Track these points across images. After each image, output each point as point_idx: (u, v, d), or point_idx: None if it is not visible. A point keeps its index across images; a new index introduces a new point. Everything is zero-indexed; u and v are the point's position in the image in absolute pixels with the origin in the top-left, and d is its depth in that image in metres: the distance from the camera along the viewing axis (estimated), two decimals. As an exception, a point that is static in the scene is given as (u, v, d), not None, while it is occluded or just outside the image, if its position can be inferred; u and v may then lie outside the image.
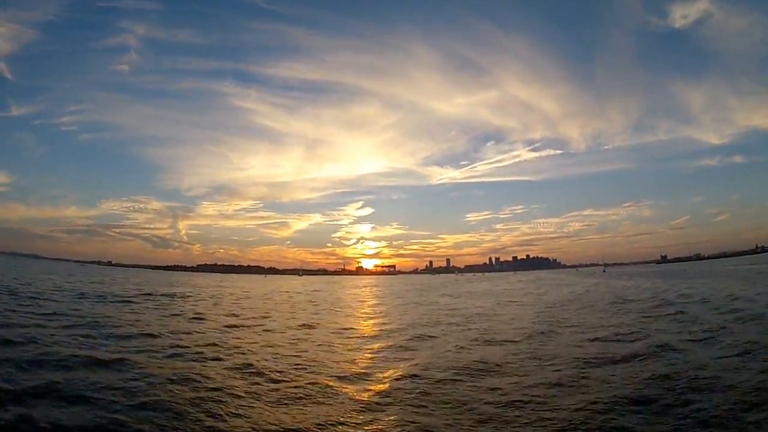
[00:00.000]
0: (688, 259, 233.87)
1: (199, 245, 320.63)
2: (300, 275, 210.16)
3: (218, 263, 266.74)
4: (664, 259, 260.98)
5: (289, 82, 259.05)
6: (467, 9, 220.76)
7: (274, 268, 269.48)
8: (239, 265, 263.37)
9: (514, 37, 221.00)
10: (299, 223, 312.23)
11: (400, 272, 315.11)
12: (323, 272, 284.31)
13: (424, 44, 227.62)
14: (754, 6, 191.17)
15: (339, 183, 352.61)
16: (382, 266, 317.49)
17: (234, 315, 22.25)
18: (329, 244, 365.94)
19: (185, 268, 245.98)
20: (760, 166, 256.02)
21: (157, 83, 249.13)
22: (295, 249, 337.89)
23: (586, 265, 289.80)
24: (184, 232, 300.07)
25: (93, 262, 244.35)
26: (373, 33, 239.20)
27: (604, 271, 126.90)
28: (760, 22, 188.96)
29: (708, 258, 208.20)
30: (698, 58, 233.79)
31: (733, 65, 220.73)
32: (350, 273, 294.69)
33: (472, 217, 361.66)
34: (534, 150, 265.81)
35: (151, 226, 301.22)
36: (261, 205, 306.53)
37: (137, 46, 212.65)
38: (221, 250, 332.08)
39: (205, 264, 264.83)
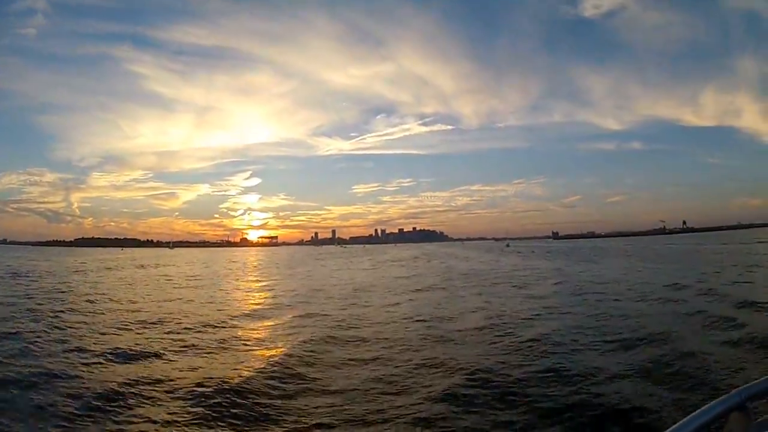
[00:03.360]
0: (582, 236, 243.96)
1: (91, 219, 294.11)
2: (171, 248, 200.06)
3: (97, 237, 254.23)
4: (556, 236, 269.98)
5: (184, 46, 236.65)
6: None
7: (151, 240, 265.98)
8: (115, 238, 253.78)
9: (417, 11, 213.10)
10: (187, 194, 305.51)
11: (285, 243, 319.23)
12: (203, 244, 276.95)
13: (324, 13, 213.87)
14: (676, 4, 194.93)
15: (228, 152, 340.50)
16: (266, 238, 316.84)
17: None
18: (216, 216, 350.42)
19: (63, 243, 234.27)
20: (658, 153, 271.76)
21: (61, 47, 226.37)
22: (183, 220, 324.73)
23: (474, 239, 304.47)
24: (76, 205, 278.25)
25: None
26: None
27: (507, 245, 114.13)
28: (680, 20, 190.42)
29: (603, 236, 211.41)
30: (606, 47, 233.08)
31: (642, 57, 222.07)
32: (233, 245, 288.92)
33: (359, 188, 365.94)
34: (425, 124, 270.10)
35: (45, 199, 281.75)
36: (150, 175, 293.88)
37: (45, 9, 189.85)
38: (112, 224, 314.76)
39: (83, 238, 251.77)
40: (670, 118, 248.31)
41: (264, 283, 28.70)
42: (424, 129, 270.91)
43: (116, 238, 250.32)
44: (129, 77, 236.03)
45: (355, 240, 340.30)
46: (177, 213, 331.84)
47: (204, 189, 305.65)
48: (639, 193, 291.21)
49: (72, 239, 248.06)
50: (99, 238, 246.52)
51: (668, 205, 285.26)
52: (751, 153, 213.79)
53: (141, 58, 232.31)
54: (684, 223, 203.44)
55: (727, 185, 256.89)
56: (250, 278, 33.86)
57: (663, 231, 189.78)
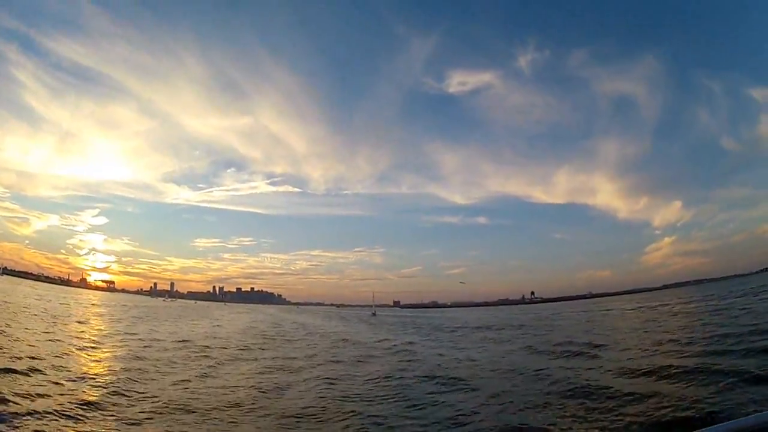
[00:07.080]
0: (425, 306, 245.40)
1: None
2: (1, 274, 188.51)
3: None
4: (398, 304, 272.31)
5: (63, 61, 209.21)
6: (248, 29, 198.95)
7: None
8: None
9: (282, 67, 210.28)
10: (39, 222, 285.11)
11: (123, 291, 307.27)
12: (39, 278, 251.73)
13: (197, 54, 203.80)
14: (543, 87, 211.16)
15: (81, 185, 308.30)
16: (105, 282, 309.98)
17: None
18: (63, 251, 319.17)
19: None
20: (503, 228, 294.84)
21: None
22: (33, 251, 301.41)
23: (313, 304, 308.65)
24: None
25: None
26: (154, 29, 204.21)
27: (374, 314, 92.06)
28: (544, 102, 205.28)
29: (447, 306, 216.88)
30: (464, 124, 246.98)
31: (499, 135, 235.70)
32: (70, 284, 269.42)
33: (201, 242, 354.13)
34: (273, 184, 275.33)
35: None
36: (8, 194, 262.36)
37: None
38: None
39: None
40: (519, 195, 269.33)
41: None
42: (271, 189, 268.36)
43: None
44: (11, 82, 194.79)
45: (193, 295, 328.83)
46: (27, 241, 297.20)
47: (54, 220, 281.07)
48: (481, 265, 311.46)
49: None
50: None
51: (511, 276, 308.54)
52: (603, 228, 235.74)
53: (24, 64, 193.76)
54: (532, 293, 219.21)
55: (574, 258, 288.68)
56: None
57: (509, 301, 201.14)
